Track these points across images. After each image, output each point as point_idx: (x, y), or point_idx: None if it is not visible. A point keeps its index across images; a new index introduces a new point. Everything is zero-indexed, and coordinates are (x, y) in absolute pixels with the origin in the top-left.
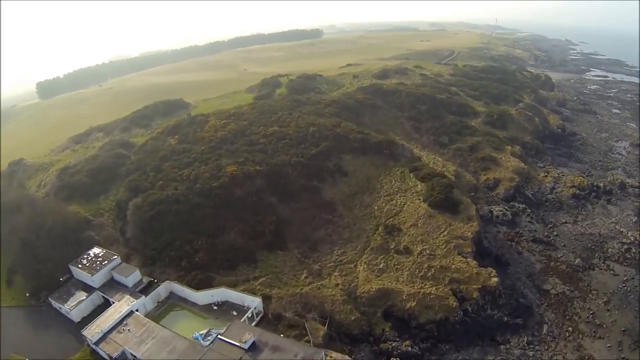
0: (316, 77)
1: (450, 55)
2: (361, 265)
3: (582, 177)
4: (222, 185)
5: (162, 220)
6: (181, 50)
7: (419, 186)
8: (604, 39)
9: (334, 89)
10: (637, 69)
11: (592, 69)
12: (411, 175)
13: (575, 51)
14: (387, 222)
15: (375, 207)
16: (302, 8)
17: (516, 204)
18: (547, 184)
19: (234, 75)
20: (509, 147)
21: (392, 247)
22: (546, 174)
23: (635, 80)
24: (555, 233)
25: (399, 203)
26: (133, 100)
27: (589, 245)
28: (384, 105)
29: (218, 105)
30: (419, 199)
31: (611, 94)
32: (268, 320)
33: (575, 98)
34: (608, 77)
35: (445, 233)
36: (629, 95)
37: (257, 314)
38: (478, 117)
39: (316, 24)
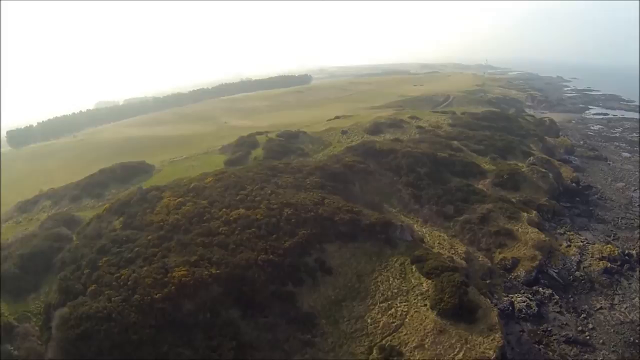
0: (299, 134)
1: (445, 101)
2: None
3: (610, 244)
4: (167, 297)
5: (90, 343)
6: (163, 98)
7: (424, 285)
8: (594, 74)
9: (319, 150)
10: (637, 104)
11: (590, 107)
12: (413, 268)
13: (569, 88)
14: (383, 342)
15: (369, 320)
16: (291, 51)
17: (540, 289)
18: (573, 257)
19: (213, 129)
20: (525, 213)
21: None
22: (569, 243)
23: (636, 116)
24: (590, 326)
25: (399, 312)
26: (99, 157)
27: (632, 339)
28: (378, 168)
29: (184, 171)
30: (425, 306)
31: (616, 134)
32: None
33: (582, 142)
34: (608, 114)
35: (461, 355)
36: (634, 134)
37: None
38: (486, 177)
39: (305, 68)
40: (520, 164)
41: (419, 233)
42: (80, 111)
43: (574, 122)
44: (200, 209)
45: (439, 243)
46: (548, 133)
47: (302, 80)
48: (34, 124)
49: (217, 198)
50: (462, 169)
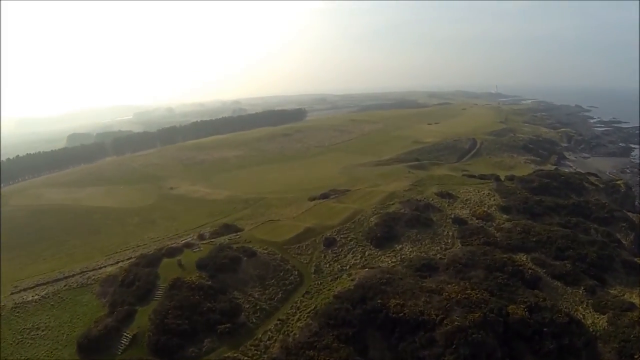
0: (242, 259)
1: (472, 148)
2: None
3: None
4: None
5: None
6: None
7: None
8: (608, 101)
9: (269, 313)
10: None
11: (632, 146)
12: None
13: (594, 120)
14: None
15: None
16: (293, 77)
17: None
18: None
19: (150, 201)
20: None
21: None
22: None
23: None
24: None
25: None
26: None
27: None
28: None
29: None
30: None
31: None
32: None
33: None
34: None
35: None
36: None
37: None
38: (593, 347)
39: (306, 95)
40: (629, 294)
41: None
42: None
43: (628, 171)
44: None
45: None
46: (625, 204)
47: (296, 115)
48: None
49: None
50: (555, 344)
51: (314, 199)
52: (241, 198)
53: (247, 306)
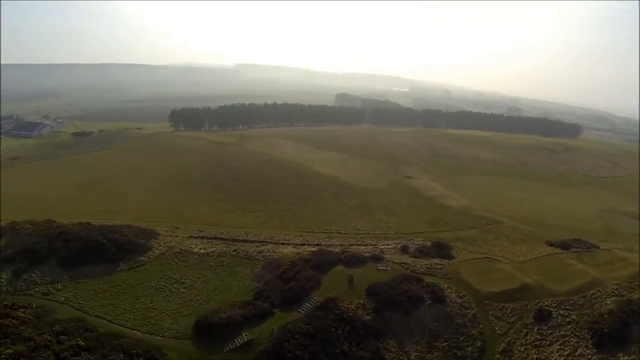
0: (428, 304)
1: None
2: None
3: None
4: None
5: None
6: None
7: None
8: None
9: None
10: None
11: None
12: None
13: None
14: None
15: None
16: (574, 85)
17: None
18: None
19: (380, 184)
20: None
21: None
22: None
23: None
24: None
25: None
26: None
27: None
28: None
29: None
30: None
31: None
32: None
33: None
34: None
35: None
36: None
37: None
38: None
39: (587, 107)
40: None
41: None
42: None
43: None
44: None
45: None
46: None
47: (570, 130)
48: None
49: None
50: None
51: (552, 244)
52: (475, 213)
53: None
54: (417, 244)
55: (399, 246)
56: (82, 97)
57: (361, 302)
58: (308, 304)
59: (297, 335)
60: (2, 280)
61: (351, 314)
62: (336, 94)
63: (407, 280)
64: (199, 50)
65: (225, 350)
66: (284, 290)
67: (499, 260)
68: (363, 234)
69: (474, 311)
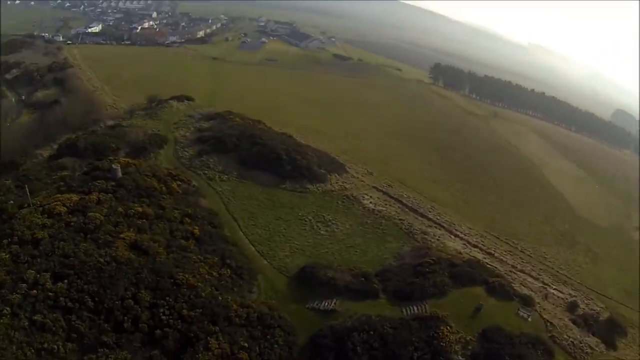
0: None
1: None
2: None
3: None
4: None
5: None
6: None
7: None
8: None
9: None
10: None
11: None
12: None
13: None
14: None
15: None
16: None
17: None
18: None
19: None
20: None
21: None
22: None
23: None
24: None
25: None
26: None
27: None
28: None
29: None
30: None
31: None
32: None
33: None
34: None
35: None
36: None
37: None
38: None
39: None
40: None
41: None
42: None
43: None
44: None
45: None
46: None
47: None
48: None
49: None
50: None
51: None
52: None
53: None
54: (592, 309)
55: (568, 300)
56: (369, 26)
57: (467, 338)
58: (414, 308)
59: (371, 332)
60: (186, 154)
61: (443, 344)
62: (615, 109)
63: (534, 346)
64: (494, 17)
65: (306, 306)
66: (406, 282)
67: None
68: (544, 265)
69: None
